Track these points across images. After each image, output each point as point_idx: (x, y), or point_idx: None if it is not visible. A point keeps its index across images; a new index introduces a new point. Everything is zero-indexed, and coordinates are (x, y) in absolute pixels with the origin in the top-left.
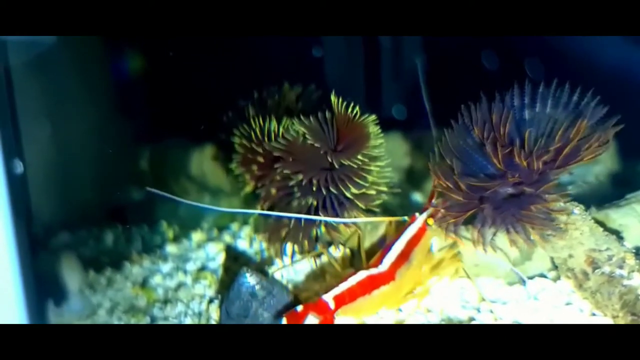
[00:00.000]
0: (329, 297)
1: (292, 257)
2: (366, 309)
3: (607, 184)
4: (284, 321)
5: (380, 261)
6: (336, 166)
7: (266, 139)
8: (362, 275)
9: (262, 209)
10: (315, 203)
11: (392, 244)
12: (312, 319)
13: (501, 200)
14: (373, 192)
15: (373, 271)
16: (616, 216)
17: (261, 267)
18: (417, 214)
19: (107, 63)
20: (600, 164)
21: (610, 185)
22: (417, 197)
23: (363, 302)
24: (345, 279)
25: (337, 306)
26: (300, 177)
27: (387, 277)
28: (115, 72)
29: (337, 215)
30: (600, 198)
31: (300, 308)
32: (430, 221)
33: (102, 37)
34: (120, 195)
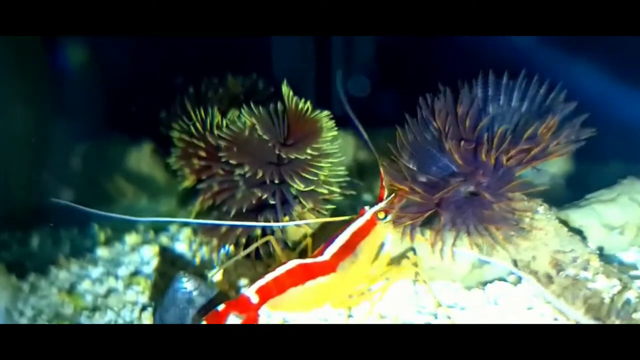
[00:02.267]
0: (250, 292)
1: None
2: (300, 301)
3: (563, 186)
4: (204, 323)
5: (322, 252)
6: (284, 161)
7: (208, 131)
8: (292, 264)
9: (203, 204)
10: (259, 197)
11: (337, 235)
12: (234, 319)
13: (462, 199)
14: (323, 190)
15: (307, 260)
16: (576, 216)
17: (200, 272)
18: (366, 207)
19: (42, 57)
20: (555, 166)
21: (566, 187)
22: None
23: (295, 293)
24: (273, 269)
25: (262, 300)
26: (245, 168)
27: (326, 268)
28: (50, 66)
29: (283, 213)
30: (556, 200)
31: (221, 307)
32: (381, 214)
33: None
34: (49, 194)
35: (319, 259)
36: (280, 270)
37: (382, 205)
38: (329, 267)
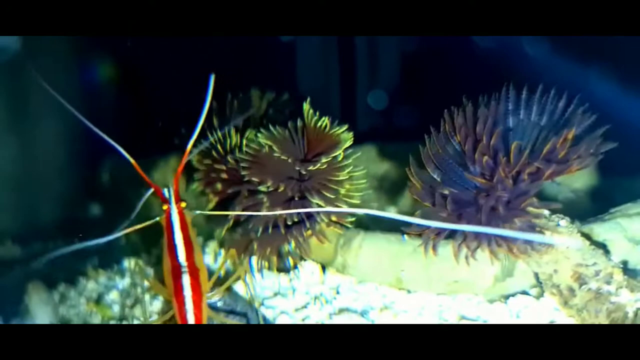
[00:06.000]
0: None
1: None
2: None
3: (586, 200)
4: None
5: (177, 261)
6: (305, 177)
7: (229, 154)
8: (187, 288)
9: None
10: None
11: (173, 239)
12: None
13: (482, 214)
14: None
15: (187, 275)
16: (600, 230)
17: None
18: (166, 203)
19: (71, 72)
20: (580, 180)
21: (589, 200)
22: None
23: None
24: (199, 294)
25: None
26: (268, 183)
27: (194, 272)
28: (79, 81)
29: (307, 228)
30: (579, 214)
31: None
32: (184, 204)
33: (69, 45)
34: (78, 207)
35: (185, 267)
36: (188, 294)
37: (173, 191)
38: (194, 270)
